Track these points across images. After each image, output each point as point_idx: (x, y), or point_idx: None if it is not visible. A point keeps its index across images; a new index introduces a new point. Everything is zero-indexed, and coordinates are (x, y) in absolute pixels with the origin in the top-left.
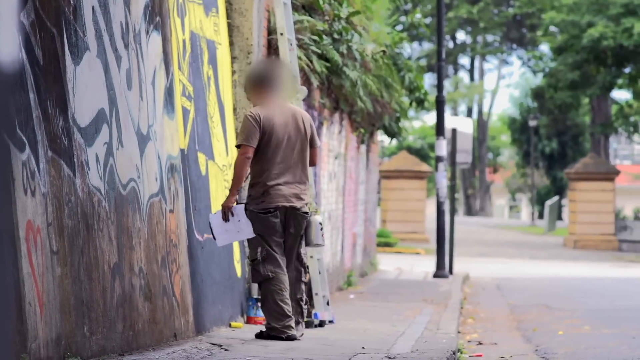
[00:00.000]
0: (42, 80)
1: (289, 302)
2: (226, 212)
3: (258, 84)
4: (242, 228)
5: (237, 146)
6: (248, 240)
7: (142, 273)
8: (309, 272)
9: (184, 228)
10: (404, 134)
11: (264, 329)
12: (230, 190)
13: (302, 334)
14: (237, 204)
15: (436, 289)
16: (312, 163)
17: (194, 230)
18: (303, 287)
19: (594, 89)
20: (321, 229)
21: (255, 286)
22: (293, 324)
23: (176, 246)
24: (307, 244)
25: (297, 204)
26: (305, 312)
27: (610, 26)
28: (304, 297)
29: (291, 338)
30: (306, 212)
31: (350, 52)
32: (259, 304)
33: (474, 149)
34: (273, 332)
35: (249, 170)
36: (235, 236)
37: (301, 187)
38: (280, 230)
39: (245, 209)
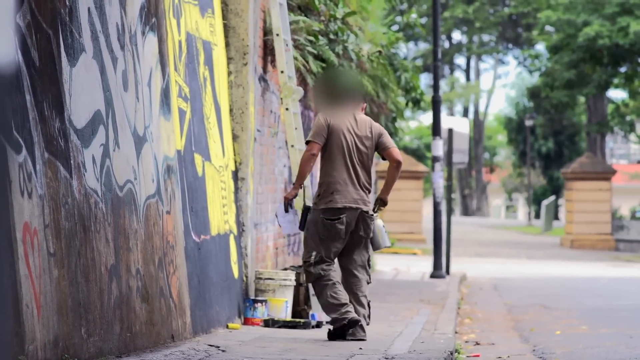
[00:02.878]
0: (39, 81)
1: (343, 291)
2: (286, 204)
3: (331, 92)
4: (296, 221)
5: (306, 142)
6: (306, 242)
7: (139, 274)
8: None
9: (181, 229)
10: (401, 134)
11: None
12: (294, 183)
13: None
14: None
15: (433, 289)
16: (394, 159)
17: (191, 232)
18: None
19: (590, 88)
20: (385, 231)
21: (252, 287)
22: (351, 309)
23: (173, 247)
24: (375, 248)
25: (364, 207)
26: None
27: (606, 25)
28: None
29: (353, 320)
30: (372, 216)
31: (346, 52)
32: (256, 305)
33: (470, 149)
34: (336, 323)
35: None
36: (294, 228)
37: (365, 192)
38: (343, 237)
39: (311, 209)
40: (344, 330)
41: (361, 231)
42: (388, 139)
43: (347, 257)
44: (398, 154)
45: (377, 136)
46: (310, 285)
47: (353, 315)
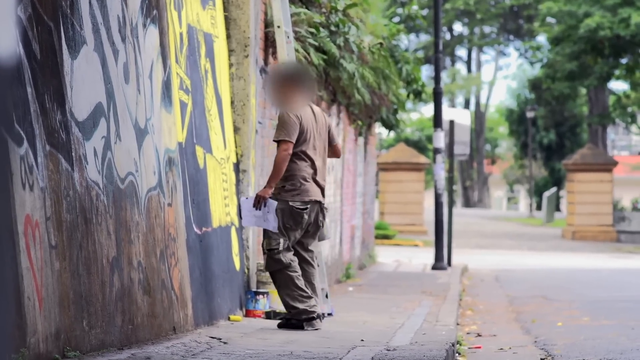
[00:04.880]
0: (40, 74)
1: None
2: (260, 202)
3: (286, 85)
4: (269, 219)
5: (277, 141)
6: (267, 231)
7: (141, 267)
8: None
9: (183, 222)
10: (402, 126)
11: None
12: (268, 182)
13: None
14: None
15: (435, 281)
16: (337, 155)
17: (193, 224)
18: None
19: (591, 80)
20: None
21: (254, 279)
22: (316, 302)
23: (175, 240)
24: (320, 239)
25: (323, 199)
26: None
27: (607, 16)
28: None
29: (319, 316)
30: (326, 208)
31: (347, 44)
32: (258, 297)
33: (471, 141)
34: (303, 315)
35: None
36: (261, 223)
37: (323, 185)
38: (304, 228)
39: (276, 200)
40: (306, 321)
41: (320, 222)
42: (334, 133)
43: (305, 247)
44: (340, 150)
45: (328, 128)
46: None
47: (319, 311)
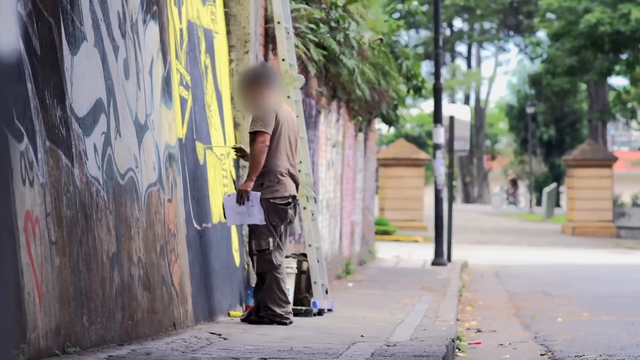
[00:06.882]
0: (40, 70)
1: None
2: (243, 196)
3: (256, 83)
4: (254, 213)
5: (254, 132)
6: (256, 230)
7: (141, 263)
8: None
9: (183, 217)
10: (402, 121)
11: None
12: (249, 175)
13: None
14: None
15: (435, 276)
16: None
17: (193, 220)
18: None
19: (591, 75)
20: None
21: (253, 275)
22: (291, 310)
23: (175, 236)
24: (291, 234)
25: (297, 194)
26: None
27: (607, 12)
28: None
29: (291, 323)
30: (298, 200)
31: (347, 40)
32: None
33: (471, 137)
34: (276, 318)
35: None
36: (246, 219)
37: (297, 178)
38: (288, 222)
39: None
40: (278, 324)
41: (292, 217)
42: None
43: (281, 241)
44: None
45: (296, 131)
46: (257, 272)
47: (292, 319)
